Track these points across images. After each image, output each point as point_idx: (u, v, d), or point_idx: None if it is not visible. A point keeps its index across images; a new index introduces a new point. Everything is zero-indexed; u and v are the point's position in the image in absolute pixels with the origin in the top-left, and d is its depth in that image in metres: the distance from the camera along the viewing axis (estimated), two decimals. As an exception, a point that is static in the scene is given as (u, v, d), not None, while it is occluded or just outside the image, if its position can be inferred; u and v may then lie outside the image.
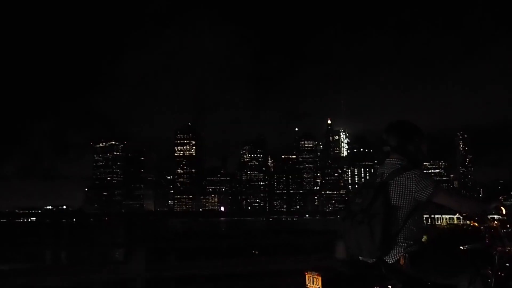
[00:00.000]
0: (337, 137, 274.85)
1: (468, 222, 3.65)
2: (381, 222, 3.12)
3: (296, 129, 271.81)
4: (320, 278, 3.21)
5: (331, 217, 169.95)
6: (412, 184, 3.22)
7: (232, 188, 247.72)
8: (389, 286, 3.20)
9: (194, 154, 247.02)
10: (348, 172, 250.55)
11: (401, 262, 3.22)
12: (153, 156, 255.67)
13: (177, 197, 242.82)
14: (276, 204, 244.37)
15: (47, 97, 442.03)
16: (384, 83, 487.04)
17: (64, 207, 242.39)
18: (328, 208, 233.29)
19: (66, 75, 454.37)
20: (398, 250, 3.23)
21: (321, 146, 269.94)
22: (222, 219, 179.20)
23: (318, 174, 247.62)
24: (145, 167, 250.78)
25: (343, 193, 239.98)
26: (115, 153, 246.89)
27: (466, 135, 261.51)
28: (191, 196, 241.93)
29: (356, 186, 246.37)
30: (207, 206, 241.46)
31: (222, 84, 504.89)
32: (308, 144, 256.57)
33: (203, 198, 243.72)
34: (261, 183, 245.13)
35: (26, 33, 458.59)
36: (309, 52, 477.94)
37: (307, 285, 3.32)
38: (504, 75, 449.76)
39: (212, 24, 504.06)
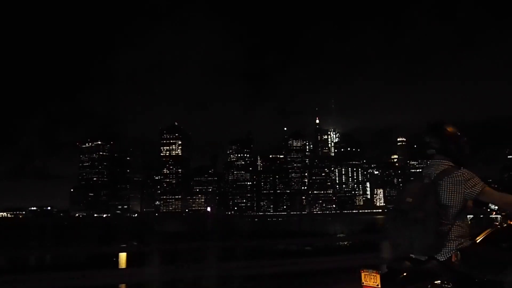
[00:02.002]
0: (326, 137, 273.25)
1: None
2: (433, 221, 3.27)
3: (285, 128, 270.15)
4: (378, 276, 3.34)
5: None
6: (461, 184, 3.39)
7: (220, 188, 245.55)
8: (441, 282, 3.32)
9: (180, 154, 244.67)
10: (335, 171, 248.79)
11: (452, 259, 3.37)
12: (140, 156, 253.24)
13: (163, 198, 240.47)
14: (263, 204, 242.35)
15: (35, 96, 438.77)
16: (375, 80, 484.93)
17: (49, 208, 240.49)
18: (315, 208, 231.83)
19: (56, 73, 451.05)
20: (449, 247, 3.39)
21: (311, 146, 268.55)
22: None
23: (306, 174, 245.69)
24: (131, 167, 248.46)
25: (330, 193, 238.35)
26: (101, 153, 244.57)
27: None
28: (177, 197, 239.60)
29: (346, 185, 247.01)
30: (194, 207, 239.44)
31: (212, 82, 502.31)
32: (296, 143, 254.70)
33: (190, 199, 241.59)
34: (248, 183, 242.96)
35: (15, 31, 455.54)
36: (301, 49, 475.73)
37: (363, 282, 3.44)
38: (497, 71, 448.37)
39: (204, 20, 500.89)
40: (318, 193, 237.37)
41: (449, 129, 3.60)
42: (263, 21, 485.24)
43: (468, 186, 3.42)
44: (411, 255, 3.45)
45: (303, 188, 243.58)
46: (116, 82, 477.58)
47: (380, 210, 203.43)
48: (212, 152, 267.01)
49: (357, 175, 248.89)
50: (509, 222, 3.67)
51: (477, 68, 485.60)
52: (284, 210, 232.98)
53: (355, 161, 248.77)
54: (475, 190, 3.42)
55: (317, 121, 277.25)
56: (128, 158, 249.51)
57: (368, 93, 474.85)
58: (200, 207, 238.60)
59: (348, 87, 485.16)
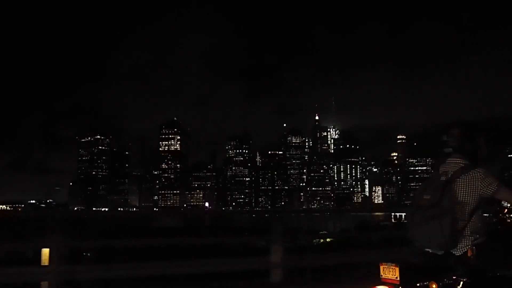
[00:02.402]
0: (325, 133, 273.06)
1: None
2: (450, 217, 3.41)
3: (284, 124, 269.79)
4: (397, 269, 3.44)
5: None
6: (477, 182, 3.54)
7: (218, 184, 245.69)
8: (457, 276, 3.45)
9: (179, 149, 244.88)
10: (334, 168, 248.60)
11: (468, 254, 3.53)
12: (138, 151, 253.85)
13: (161, 193, 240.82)
14: (261, 200, 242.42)
15: (36, 90, 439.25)
16: (377, 78, 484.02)
17: (48, 201, 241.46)
18: (313, 205, 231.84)
19: (56, 67, 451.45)
20: (465, 243, 3.54)
21: (311, 143, 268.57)
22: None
23: (304, 171, 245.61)
24: (130, 162, 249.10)
25: (328, 190, 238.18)
26: (100, 147, 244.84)
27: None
28: (176, 192, 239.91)
29: (344, 182, 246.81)
30: (192, 202, 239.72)
31: (212, 78, 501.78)
32: (295, 140, 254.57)
33: (188, 194, 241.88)
34: (246, 178, 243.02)
35: (16, 25, 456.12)
36: (302, 46, 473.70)
37: (382, 275, 3.54)
38: (498, 70, 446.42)
39: (205, 16, 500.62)
40: (316, 189, 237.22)
41: (467, 128, 3.71)
42: (264, 17, 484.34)
43: (484, 184, 3.54)
44: (428, 249, 3.58)
45: (301, 184, 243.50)
46: (116, 77, 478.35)
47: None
48: (211, 147, 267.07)
49: (356, 173, 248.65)
50: None
51: (478, 67, 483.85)
52: (282, 207, 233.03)
53: (353, 158, 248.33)
54: (491, 189, 3.53)
55: (317, 117, 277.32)
56: (127, 153, 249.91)
57: (369, 90, 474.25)
58: (199, 202, 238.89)
59: (349, 84, 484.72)
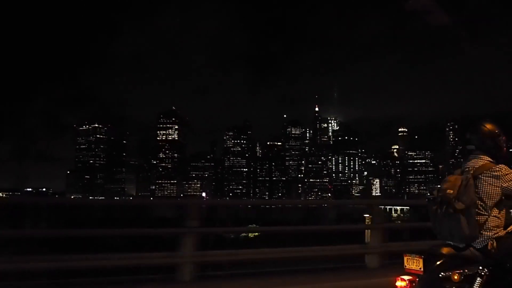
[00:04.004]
0: (325, 125, 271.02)
1: None
2: (472, 212, 3.66)
3: (285, 115, 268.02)
4: (421, 260, 3.67)
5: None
6: (499, 178, 3.83)
7: (217, 174, 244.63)
8: (478, 268, 3.67)
9: (176, 138, 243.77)
10: (332, 160, 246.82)
11: (489, 247, 3.76)
12: (136, 139, 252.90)
13: (158, 182, 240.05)
14: (258, 191, 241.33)
15: (34, 78, 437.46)
16: (380, 70, 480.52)
17: (44, 189, 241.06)
18: (311, 196, 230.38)
19: (57, 54, 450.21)
20: (486, 236, 3.79)
21: (311, 134, 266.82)
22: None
23: (303, 162, 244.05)
24: (127, 150, 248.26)
25: (326, 181, 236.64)
26: (98, 136, 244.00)
27: (457, 126, 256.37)
28: (173, 181, 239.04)
29: (342, 174, 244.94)
30: (190, 192, 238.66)
31: (214, 67, 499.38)
32: (295, 131, 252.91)
33: (185, 184, 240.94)
34: (244, 169, 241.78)
35: (16, 13, 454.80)
36: (305, 36, 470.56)
37: (405, 266, 3.78)
38: (503, 65, 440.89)
39: (208, 4, 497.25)
40: (314, 181, 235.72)
41: (488, 127, 4.02)
42: (268, 6, 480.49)
43: (505, 180, 3.81)
44: (450, 242, 3.83)
45: (299, 176, 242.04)
46: (117, 65, 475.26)
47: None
48: (211, 137, 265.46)
49: (354, 165, 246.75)
50: None
51: (483, 61, 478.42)
52: (279, 198, 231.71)
53: (352, 150, 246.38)
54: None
55: (316, 109, 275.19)
56: (124, 142, 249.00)
57: (372, 82, 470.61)
58: (196, 192, 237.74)
59: (351, 76, 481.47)
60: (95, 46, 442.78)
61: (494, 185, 3.79)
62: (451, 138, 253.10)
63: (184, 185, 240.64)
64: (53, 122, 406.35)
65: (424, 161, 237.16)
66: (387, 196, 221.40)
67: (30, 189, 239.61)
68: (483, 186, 3.80)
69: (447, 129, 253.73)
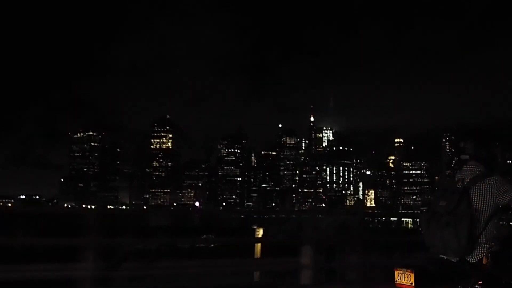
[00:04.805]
0: (320, 135, 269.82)
1: None
2: (466, 225, 3.43)
3: (280, 125, 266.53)
4: (412, 275, 3.44)
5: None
6: (493, 189, 3.59)
7: (211, 183, 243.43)
8: (472, 283, 3.48)
9: (170, 147, 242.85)
10: (327, 170, 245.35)
11: (483, 262, 3.55)
12: (130, 147, 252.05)
13: (152, 191, 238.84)
14: (252, 201, 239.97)
15: (29, 85, 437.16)
16: (375, 80, 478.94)
17: (37, 197, 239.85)
18: (305, 207, 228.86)
19: (55, 61, 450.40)
20: (481, 250, 3.56)
21: (307, 143, 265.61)
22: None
23: (297, 172, 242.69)
24: (121, 158, 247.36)
25: (320, 192, 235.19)
26: (92, 144, 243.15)
27: (453, 137, 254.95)
28: (166, 190, 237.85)
29: (336, 184, 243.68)
30: (183, 201, 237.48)
31: (210, 75, 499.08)
32: (290, 141, 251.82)
33: (179, 192, 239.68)
34: (238, 178, 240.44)
35: (14, 20, 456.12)
36: (301, 45, 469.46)
37: (396, 281, 3.55)
38: (500, 73, 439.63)
39: (204, 13, 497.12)
40: (308, 191, 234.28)
41: (483, 135, 3.78)
42: (264, 15, 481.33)
43: (501, 192, 3.58)
44: (443, 256, 3.60)
45: (293, 186, 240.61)
46: (113, 73, 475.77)
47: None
48: (206, 146, 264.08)
49: (349, 175, 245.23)
50: None
51: (479, 70, 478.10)
52: (273, 208, 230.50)
53: (347, 161, 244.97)
54: (507, 197, 3.59)
55: (312, 118, 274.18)
56: (118, 150, 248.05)
57: (368, 92, 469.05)
58: (189, 201, 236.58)
59: (347, 85, 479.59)
60: (92, 54, 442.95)
61: (489, 197, 3.57)
62: (447, 148, 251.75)
63: (178, 193, 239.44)
64: (48, 130, 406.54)
65: (420, 172, 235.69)
66: (382, 207, 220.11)
67: (23, 197, 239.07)
68: (477, 198, 3.57)
69: (444, 139, 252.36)
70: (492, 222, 3.61)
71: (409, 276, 3.45)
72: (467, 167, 3.72)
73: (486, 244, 3.56)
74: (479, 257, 3.55)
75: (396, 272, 3.56)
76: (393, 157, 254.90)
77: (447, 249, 3.51)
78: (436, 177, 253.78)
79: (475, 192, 3.58)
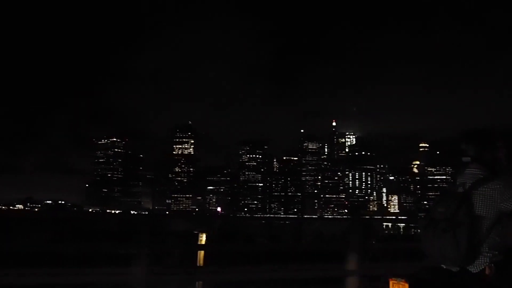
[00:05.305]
0: (343, 140, 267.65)
1: None
2: (466, 232, 3.13)
3: (302, 130, 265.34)
4: (407, 285, 3.32)
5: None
6: (497, 195, 3.26)
7: (233, 189, 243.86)
8: None
9: (192, 152, 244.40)
10: (349, 175, 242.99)
11: (486, 272, 3.21)
12: (153, 153, 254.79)
13: (174, 196, 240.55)
14: (274, 206, 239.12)
15: (60, 93, 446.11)
16: (399, 84, 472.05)
17: (63, 202, 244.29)
18: (327, 212, 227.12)
19: (80, 70, 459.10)
20: (483, 260, 3.23)
21: (329, 148, 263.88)
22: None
23: (319, 177, 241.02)
24: (144, 164, 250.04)
25: (342, 197, 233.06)
26: (116, 149, 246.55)
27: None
28: (188, 195, 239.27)
29: (359, 190, 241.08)
30: (205, 206, 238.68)
31: (233, 81, 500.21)
32: (312, 146, 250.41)
33: (200, 198, 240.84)
34: (259, 184, 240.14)
35: (41, 27, 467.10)
36: (324, 50, 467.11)
37: None
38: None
39: (227, 19, 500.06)
40: (330, 197, 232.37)
41: (486, 137, 3.47)
42: (286, 21, 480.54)
43: (504, 198, 3.26)
44: (442, 265, 3.31)
45: (315, 191, 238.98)
46: (136, 80, 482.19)
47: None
48: (228, 152, 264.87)
49: (372, 180, 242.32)
50: None
51: (508, 73, 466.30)
52: (294, 213, 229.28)
53: (369, 166, 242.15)
54: (511, 203, 3.27)
55: (334, 123, 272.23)
56: (141, 156, 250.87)
57: (392, 97, 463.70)
58: (211, 207, 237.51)
59: (370, 90, 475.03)
60: (116, 62, 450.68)
61: (492, 203, 3.26)
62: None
63: (199, 199, 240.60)
64: (74, 136, 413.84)
65: (444, 177, 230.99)
66: (405, 213, 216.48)
67: (49, 202, 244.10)
68: (479, 203, 3.26)
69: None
70: (495, 229, 3.27)
71: (403, 286, 3.29)
72: (469, 170, 3.41)
73: (489, 253, 3.23)
74: (481, 267, 3.21)
75: (390, 282, 3.37)
76: (417, 162, 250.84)
77: (445, 257, 3.21)
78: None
79: (476, 197, 3.27)
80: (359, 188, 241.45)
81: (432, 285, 3.26)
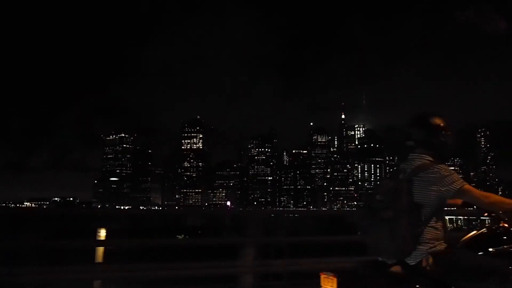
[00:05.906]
0: (352, 133, 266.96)
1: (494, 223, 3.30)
2: (404, 221, 2.91)
3: (311, 123, 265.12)
4: (335, 279, 3.09)
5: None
6: (437, 181, 3.01)
7: (242, 183, 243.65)
8: None
9: (201, 147, 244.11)
10: (358, 168, 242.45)
11: (423, 264, 3.01)
12: (162, 149, 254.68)
13: (183, 191, 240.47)
14: (283, 200, 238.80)
15: (70, 90, 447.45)
16: (408, 77, 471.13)
17: (71, 198, 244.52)
18: (336, 205, 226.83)
19: (89, 67, 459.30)
20: (421, 250, 3.03)
21: (338, 141, 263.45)
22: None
23: (328, 170, 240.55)
24: (153, 160, 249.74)
25: (351, 190, 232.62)
26: (124, 145, 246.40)
27: (488, 132, 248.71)
28: (198, 190, 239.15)
29: (368, 182, 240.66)
30: (214, 201, 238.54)
31: (243, 75, 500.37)
32: (321, 139, 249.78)
33: (210, 193, 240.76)
34: (269, 178, 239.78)
35: (50, 25, 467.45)
36: (333, 44, 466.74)
37: (321, 286, 3.20)
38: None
39: (237, 14, 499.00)
40: (339, 189, 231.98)
41: (435, 120, 3.21)
42: (296, 16, 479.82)
43: (445, 183, 3.00)
44: (378, 257, 3.14)
45: (325, 184, 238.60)
46: (145, 76, 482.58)
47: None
48: (237, 146, 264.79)
49: (381, 172, 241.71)
50: (501, 224, 3.24)
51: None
52: (304, 206, 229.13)
53: (378, 158, 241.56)
54: (453, 188, 3.01)
55: (343, 116, 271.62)
56: (150, 151, 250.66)
57: (401, 89, 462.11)
58: (221, 201, 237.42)
59: (379, 83, 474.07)
60: (125, 58, 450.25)
61: (432, 189, 2.98)
62: (482, 144, 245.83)
63: (209, 194, 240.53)
64: (84, 133, 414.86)
65: (454, 168, 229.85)
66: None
67: (57, 199, 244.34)
68: (418, 191, 2.98)
69: (479, 135, 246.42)
70: (435, 218, 3.05)
71: (332, 280, 3.08)
72: (412, 155, 3.18)
73: (428, 244, 3.01)
74: (419, 258, 3.01)
75: (321, 276, 3.17)
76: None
77: (381, 249, 3.00)
78: (471, 174, 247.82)
79: (417, 184, 3.01)
80: (369, 180, 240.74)
81: (364, 278, 3.05)
